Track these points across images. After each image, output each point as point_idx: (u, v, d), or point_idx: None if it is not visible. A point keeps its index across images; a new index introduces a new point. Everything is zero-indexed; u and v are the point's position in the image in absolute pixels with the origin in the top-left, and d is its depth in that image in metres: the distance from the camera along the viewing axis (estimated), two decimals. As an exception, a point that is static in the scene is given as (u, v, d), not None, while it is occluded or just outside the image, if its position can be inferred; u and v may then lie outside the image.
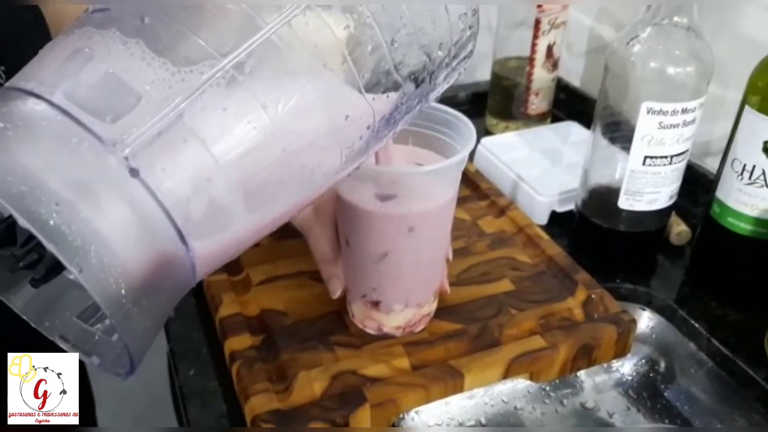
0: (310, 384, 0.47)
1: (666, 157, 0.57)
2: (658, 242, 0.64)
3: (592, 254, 0.63)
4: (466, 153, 0.43)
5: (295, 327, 0.52)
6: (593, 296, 0.55)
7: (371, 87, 0.32)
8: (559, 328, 0.52)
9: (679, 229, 0.66)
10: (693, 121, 0.56)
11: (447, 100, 0.92)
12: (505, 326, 0.52)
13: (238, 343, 0.50)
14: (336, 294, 0.51)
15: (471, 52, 0.37)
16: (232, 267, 0.57)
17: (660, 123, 0.56)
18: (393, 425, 0.48)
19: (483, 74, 1.07)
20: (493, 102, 0.85)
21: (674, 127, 0.56)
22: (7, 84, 0.29)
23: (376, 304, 0.49)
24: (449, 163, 0.42)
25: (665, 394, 0.61)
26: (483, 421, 0.61)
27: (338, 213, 0.47)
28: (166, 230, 0.27)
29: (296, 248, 0.60)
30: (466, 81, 1.08)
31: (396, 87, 0.33)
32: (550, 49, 0.78)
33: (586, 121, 0.83)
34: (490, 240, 0.61)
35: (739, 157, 0.55)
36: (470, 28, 0.36)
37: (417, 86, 0.35)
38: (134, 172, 0.26)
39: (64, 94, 0.27)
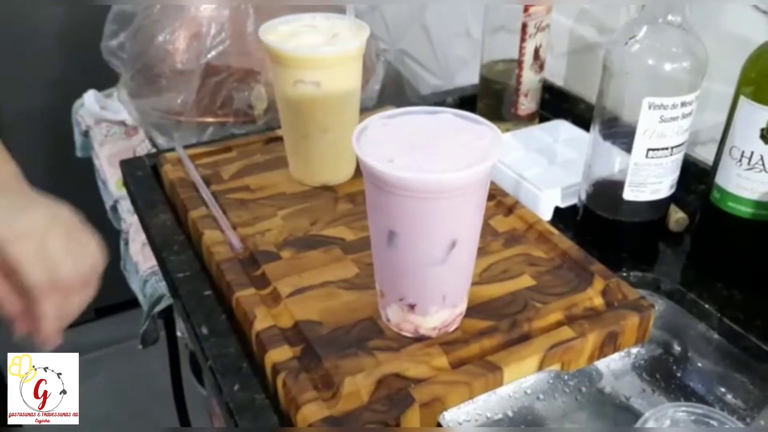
0: (357, 389, 0.48)
1: (667, 148, 0.60)
2: (660, 230, 0.67)
3: (598, 246, 0.66)
4: (496, 155, 0.45)
5: (331, 336, 0.53)
6: (610, 285, 0.57)
7: None
8: (584, 318, 0.55)
9: (677, 217, 0.69)
10: (690, 113, 0.59)
11: (434, 105, 0.94)
12: (533, 320, 0.54)
13: (278, 355, 0.51)
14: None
15: None
16: (259, 282, 0.58)
17: (661, 117, 0.59)
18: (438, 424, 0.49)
19: (463, 79, 1.10)
20: (482, 105, 0.88)
21: (674, 120, 0.59)
22: None
23: (412, 307, 0.51)
24: (486, 165, 0.44)
25: (679, 374, 0.64)
26: (510, 413, 0.63)
27: (384, 212, 0.48)
28: None
29: (318, 259, 0.61)
30: (448, 86, 1.11)
31: None
32: (537, 51, 0.81)
33: (573, 119, 0.87)
34: (503, 239, 0.64)
35: (737, 145, 0.58)
36: None
37: None
38: None
39: None
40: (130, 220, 1.04)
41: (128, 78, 1.05)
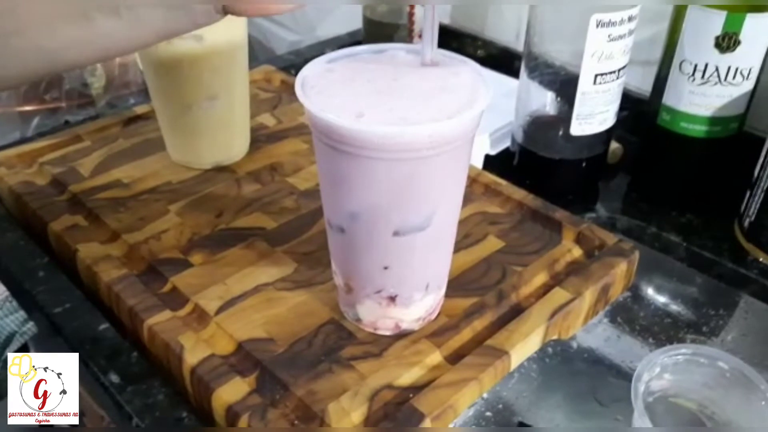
0: (347, 416, 0.37)
1: (614, 71, 0.54)
2: (603, 164, 0.62)
3: (540, 190, 0.59)
4: (489, 91, 0.36)
5: (291, 353, 0.41)
6: (584, 232, 0.51)
7: None
8: (571, 274, 0.48)
9: (613, 147, 0.64)
10: (634, 29, 0.54)
11: (311, 59, 0.82)
12: (519, 287, 0.46)
13: (230, 392, 0.38)
14: None
15: None
16: (172, 301, 0.45)
17: (609, 35, 0.52)
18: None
19: (327, 30, 0.99)
20: (371, 53, 0.77)
21: (621, 38, 0.53)
22: None
23: (392, 299, 0.40)
24: (483, 104, 0.35)
25: (642, 314, 0.59)
26: (485, 395, 0.56)
27: (355, 186, 0.37)
28: None
29: (241, 259, 0.48)
30: (311, 41, 0.99)
31: None
32: (427, -16, 0.72)
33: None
34: (451, 198, 0.55)
35: (688, 58, 0.53)
36: None
37: None
38: None
39: None
40: (-55, 247, 0.82)
41: None
